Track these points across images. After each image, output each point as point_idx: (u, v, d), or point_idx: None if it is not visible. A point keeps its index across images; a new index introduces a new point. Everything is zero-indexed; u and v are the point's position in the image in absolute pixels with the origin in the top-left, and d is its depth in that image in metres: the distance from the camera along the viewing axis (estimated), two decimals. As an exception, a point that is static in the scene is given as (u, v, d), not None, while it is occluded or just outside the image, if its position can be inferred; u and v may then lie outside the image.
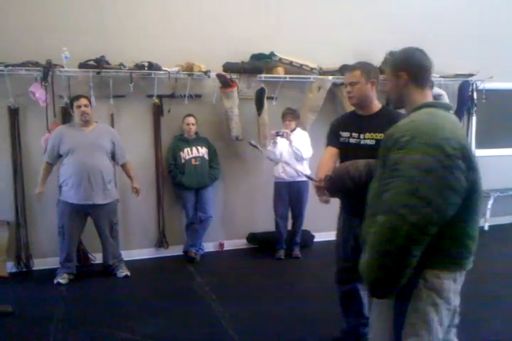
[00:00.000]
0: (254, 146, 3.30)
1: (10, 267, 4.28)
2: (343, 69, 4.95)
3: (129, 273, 4.22)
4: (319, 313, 3.42)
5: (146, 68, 4.45)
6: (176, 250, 4.79)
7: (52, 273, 4.13)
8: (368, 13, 5.27)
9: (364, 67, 2.61)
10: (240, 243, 5.08)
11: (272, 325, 3.27)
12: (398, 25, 5.24)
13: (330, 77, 4.95)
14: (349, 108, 4.95)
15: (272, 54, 4.84)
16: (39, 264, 4.38)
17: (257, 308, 3.54)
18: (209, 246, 4.93)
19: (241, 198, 5.09)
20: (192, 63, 4.61)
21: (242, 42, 4.78)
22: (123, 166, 4.29)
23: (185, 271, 4.40)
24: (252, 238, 5.06)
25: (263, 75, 4.82)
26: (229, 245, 5.05)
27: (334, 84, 5.01)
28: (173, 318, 3.39)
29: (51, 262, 4.27)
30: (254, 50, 4.82)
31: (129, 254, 4.50)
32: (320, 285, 3.79)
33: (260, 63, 4.85)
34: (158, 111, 4.68)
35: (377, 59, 5.14)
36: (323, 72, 5.01)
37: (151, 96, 4.62)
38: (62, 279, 4.04)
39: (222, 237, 5.04)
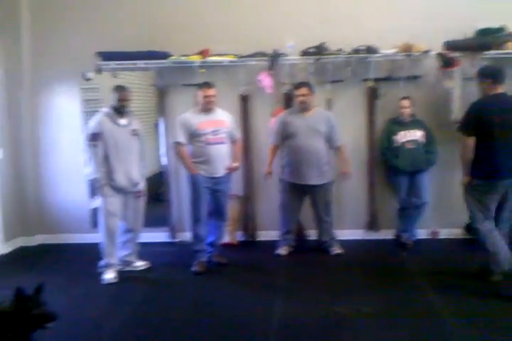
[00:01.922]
0: None
1: (239, 236, 4.87)
2: None
3: (341, 252, 4.39)
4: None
5: (363, 52, 4.49)
6: (386, 234, 4.78)
7: (273, 244, 4.54)
8: None
9: (480, 72, 3.68)
10: (455, 232, 4.78)
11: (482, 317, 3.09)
12: None
13: None
14: None
15: (502, 28, 4.37)
16: (262, 236, 4.88)
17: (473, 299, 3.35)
18: (421, 233, 4.77)
19: (459, 185, 4.77)
20: (410, 43, 4.46)
21: (465, 17, 4.43)
22: (337, 149, 4.42)
23: (396, 256, 4.36)
24: (470, 228, 4.72)
25: (491, 52, 4.39)
26: (444, 234, 4.81)
27: None
28: (386, 299, 3.41)
29: (272, 234, 4.70)
30: (479, 24, 4.42)
31: (341, 234, 4.64)
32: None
33: (487, 39, 4.42)
34: (373, 95, 4.68)
35: None
36: None
37: (366, 79, 4.65)
38: (282, 251, 4.42)
39: (436, 225, 4.81)
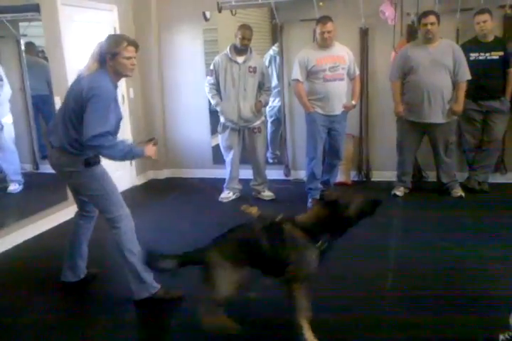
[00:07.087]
0: None
1: (353, 176, 4.86)
2: None
3: (463, 195, 4.19)
4: None
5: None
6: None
7: (387, 185, 4.48)
8: None
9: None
10: None
11: None
12: None
13: None
14: None
15: None
16: (377, 176, 4.82)
17: None
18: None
19: None
20: None
21: None
22: (460, 85, 4.00)
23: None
24: None
25: None
26: None
27: None
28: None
29: (387, 175, 4.62)
30: None
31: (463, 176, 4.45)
32: None
33: None
34: (510, 23, 4.18)
35: None
36: None
37: (503, 6, 4.15)
38: (398, 191, 4.33)
39: None
